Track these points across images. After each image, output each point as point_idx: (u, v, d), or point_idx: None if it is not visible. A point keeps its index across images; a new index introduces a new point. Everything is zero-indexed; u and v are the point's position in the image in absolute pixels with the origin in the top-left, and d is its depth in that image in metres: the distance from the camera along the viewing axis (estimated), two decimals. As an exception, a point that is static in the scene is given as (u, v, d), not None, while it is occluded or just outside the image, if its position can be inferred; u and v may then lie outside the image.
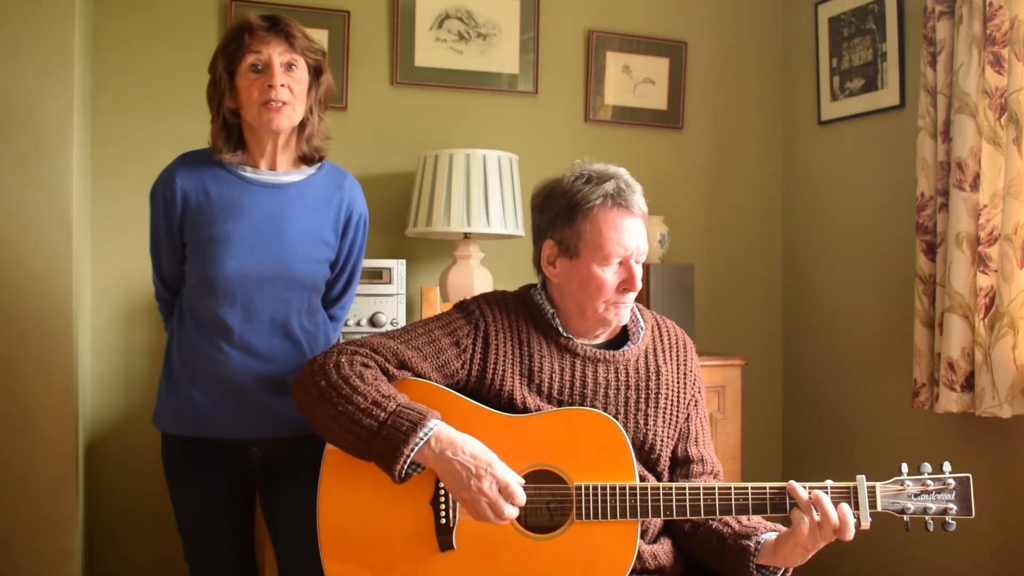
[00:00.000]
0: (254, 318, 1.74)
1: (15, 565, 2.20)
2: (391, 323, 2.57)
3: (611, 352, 1.62)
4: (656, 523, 1.61)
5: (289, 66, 1.72)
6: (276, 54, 1.71)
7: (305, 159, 1.83)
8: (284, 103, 1.71)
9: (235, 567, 1.82)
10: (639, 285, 1.59)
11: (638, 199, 1.60)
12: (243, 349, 1.74)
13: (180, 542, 2.60)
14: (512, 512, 1.44)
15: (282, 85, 1.70)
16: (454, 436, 1.45)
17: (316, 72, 1.79)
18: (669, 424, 1.64)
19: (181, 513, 1.82)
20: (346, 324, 2.49)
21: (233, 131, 1.78)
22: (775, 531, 1.54)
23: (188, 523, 1.81)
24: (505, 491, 1.43)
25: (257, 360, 1.74)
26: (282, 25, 1.73)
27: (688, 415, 1.68)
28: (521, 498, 1.45)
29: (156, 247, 1.83)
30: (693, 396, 1.69)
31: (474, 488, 1.42)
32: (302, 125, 1.79)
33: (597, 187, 1.57)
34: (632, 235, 1.57)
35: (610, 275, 1.57)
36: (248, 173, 1.78)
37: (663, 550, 1.60)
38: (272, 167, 1.79)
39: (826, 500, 1.44)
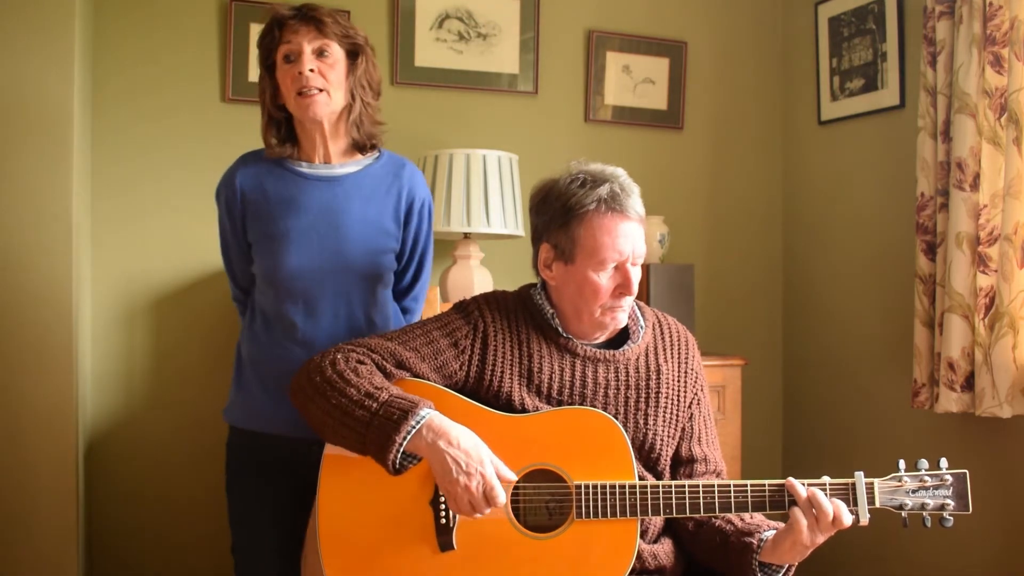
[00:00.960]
0: (315, 313, 1.75)
1: (15, 566, 2.19)
2: (391, 323, 2.57)
3: (611, 352, 1.62)
4: (656, 523, 1.61)
5: (321, 52, 1.71)
6: (306, 41, 1.70)
7: (359, 147, 1.82)
8: (319, 89, 1.70)
9: (280, 564, 1.80)
10: (635, 289, 1.58)
11: (634, 202, 1.57)
12: (306, 346, 1.74)
13: (180, 542, 2.63)
14: (487, 511, 1.43)
15: (311, 70, 1.69)
16: (447, 426, 1.44)
17: (353, 55, 1.77)
18: (670, 423, 1.63)
19: (235, 506, 1.82)
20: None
21: (281, 126, 1.79)
22: (777, 528, 1.54)
23: (241, 516, 1.81)
24: (489, 493, 1.42)
25: None
26: (311, 12, 1.73)
27: (691, 414, 1.67)
28: (501, 501, 1.43)
29: (225, 248, 1.86)
30: (695, 394, 1.69)
31: (461, 484, 1.41)
32: (348, 112, 1.78)
33: (591, 191, 1.55)
34: (627, 239, 1.56)
35: (605, 280, 1.56)
36: (304, 168, 1.78)
37: (663, 550, 1.60)
38: (326, 159, 1.79)
39: (822, 496, 1.44)
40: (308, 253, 1.73)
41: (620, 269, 1.56)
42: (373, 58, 1.81)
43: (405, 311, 1.95)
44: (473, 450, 1.43)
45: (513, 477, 1.47)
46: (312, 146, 1.79)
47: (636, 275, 1.59)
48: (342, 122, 1.78)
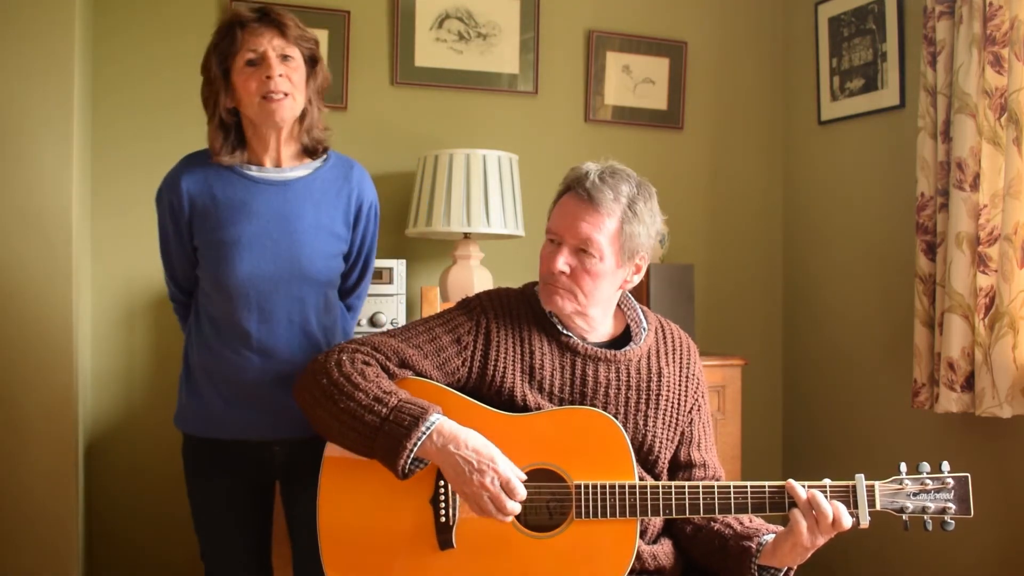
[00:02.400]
0: (270, 319, 1.73)
1: (15, 565, 2.20)
2: (391, 323, 2.57)
3: (612, 351, 1.62)
4: (656, 523, 1.61)
5: (284, 57, 1.70)
6: (271, 47, 1.68)
7: (308, 151, 1.81)
8: (285, 94, 1.69)
9: (251, 567, 1.81)
10: (556, 271, 1.54)
11: (596, 188, 1.54)
12: (261, 352, 1.72)
13: (180, 542, 2.63)
14: (515, 508, 1.44)
15: (280, 75, 1.68)
16: (456, 430, 1.45)
17: (312, 62, 1.76)
18: (669, 426, 1.63)
19: (199, 513, 1.80)
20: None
21: (231, 131, 1.75)
22: (776, 532, 1.53)
23: (205, 523, 1.80)
24: (507, 487, 1.43)
25: (276, 362, 1.72)
26: (273, 16, 1.70)
27: (691, 419, 1.67)
28: (522, 493, 1.44)
29: (166, 251, 1.81)
30: (696, 400, 1.69)
31: (476, 483, 1.42)
32: (302, 117, 1.77)
33: (571, 174, 1.61)
34: (570, 216, 1.55)
35: (545, 252, 1.60)
36: (253, 172, 1.75)
37: (663, 551, 1.60)
38: (277, 163, 1.77)
39: (821, 498, 1.44)
40: (261, 259, 1.70)
41: (555, 244, 1.58)
42: (323, 64, 1.81)
43: (349, 308, 1.94)
44: (483, 448, 1.44)
45: (521, 476, 1.47)
46: (264, 150, 1.76)
47: (564, 262, 1.54)
48: (296, 127, 1.77)
